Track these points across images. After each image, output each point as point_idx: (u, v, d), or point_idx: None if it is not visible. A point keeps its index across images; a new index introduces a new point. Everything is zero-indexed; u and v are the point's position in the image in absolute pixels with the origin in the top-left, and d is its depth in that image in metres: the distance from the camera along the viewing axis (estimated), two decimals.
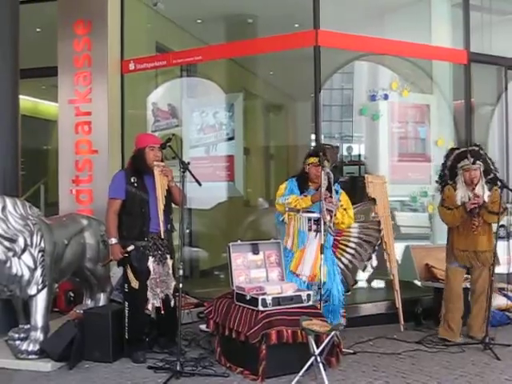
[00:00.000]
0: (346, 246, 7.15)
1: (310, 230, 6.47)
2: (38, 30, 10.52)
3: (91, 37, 8.72)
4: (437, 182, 7.52)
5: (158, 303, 6.46)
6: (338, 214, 6.50)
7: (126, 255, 6.40)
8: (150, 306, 6.44)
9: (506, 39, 9.81)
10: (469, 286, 7.30)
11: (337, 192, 6.52)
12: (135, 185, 6.47)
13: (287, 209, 6.50)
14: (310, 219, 6.46)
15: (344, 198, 6.69)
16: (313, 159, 6.60)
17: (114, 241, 6.45)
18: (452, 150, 7.44)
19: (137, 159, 6.58)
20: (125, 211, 6.49)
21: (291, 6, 8.87)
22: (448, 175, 7.27)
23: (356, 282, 7.30)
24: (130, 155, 6.80)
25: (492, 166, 7.22)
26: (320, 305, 6.27)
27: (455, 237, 7.16)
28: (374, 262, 7.90)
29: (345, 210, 6.62)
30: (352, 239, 7.17)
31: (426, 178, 8.94)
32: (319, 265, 6.39)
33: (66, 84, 8.86)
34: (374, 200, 7.47)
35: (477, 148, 7.26)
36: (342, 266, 7.04)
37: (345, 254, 7.12)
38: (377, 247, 7.36)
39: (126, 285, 6.48)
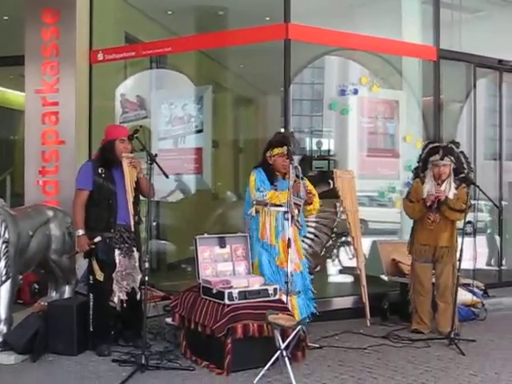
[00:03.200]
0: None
1: (285, 219, 6.44)
2: (5, 18, 10.37)
3: (59, 26, 8.60)
4: (412, 171, 7.58)
5: (123, 296, 6.41)
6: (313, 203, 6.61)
7: (93, 247, 6.34)
8: (115, 299, 6.38)
9: (475, 37, 9.86)
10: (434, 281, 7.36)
11: (297, 176, 6.47)
12: (103, 176, 6.40)
13: (255, 202, 6.47)
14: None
15: (308, 183, 6.68)
16: (278, 150, 6.57)
17: (80, 232, 6.37)
18: (427, 143, 7.50)
19: (106, 151, 6.50)
20: (92, 202, 6.41)
21: None
22: (420, 168, 7.34)
23: (317, 265, 7.29)
24: (98, 146, 6.72)
25: (465, 166, 7.27)
26: (287, 296, 6.28)
27: (418, 230, 7.28)
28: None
29: (314, 195, 6.64)
30: (310, 224, 7.17)
31: (394, 173, 8.98)
32: (301, 254, 6.61)
33: (33, 73, 8.74)
34: (328, 183, 7.40)
35: (451, 145, 7.31)
36: (303, 251, 7.04)
37: (305, 239, 7.11)
38: (335, 229, 7.36)
39: (90, 276, 6.42)
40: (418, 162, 7.46)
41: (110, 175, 6.43)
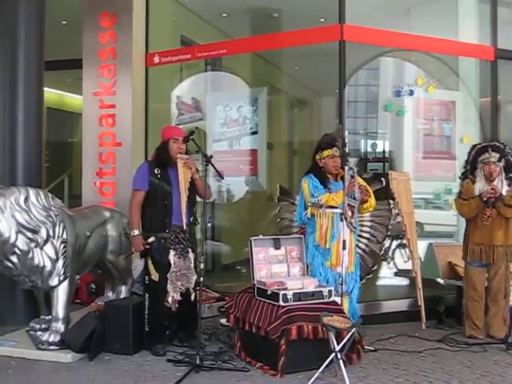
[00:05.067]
0: (361, 230, 7.13)
1: (341, 220, 6.42)
2: (63, 22, 10.56)
3: (116, 29, 8.75)
4: (460, 177, 7.48)
5: (177, 296, 6.46)
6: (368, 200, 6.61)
7: (148, 247, 6.41)
8: (169, 299, 6.43)
9: None
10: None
11: (352, 177, 6.45)
12: (158, 176, 6.47)
13: (310, 204, 6.47)
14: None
15: (361, 180, 6.66)
16: (327, 152, 6.57)
17: (136, 232, 6.44)
18: (474, 146, 7.40)
19: (161, 151, 6.59)
20: (148, 203, 6.49)
21: (317, 1, 8.85)
22: (469, 170, 7.26)
23: (374, 265, 7.25)
24: (155, 147, 6.79)
25: None
26: (341, 298, 6.27)
27: (471, 230, 7.16)
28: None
29: (369, 191, 6.63)
30: (365, 223, 7.14)
31: (450, 175, 8.86)
32: (353, 255, 6.57)
33: (90, 76, 8.90)
34: (381, 181, 7.32)
35: (498, 143, 7.23)
36: (359, 251, 7.05)
37: (361, 238, 7.12)
38: (390, 227, 7.29)
39: (146, 277, 6.50)
40: (465, 167, 7.37)
41: (165, 176, 6.49)
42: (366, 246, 7.10)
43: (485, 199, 6.89)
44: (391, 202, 7.32)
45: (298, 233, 6.92)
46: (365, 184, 6.64)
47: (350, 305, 6.58)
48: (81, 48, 8.94)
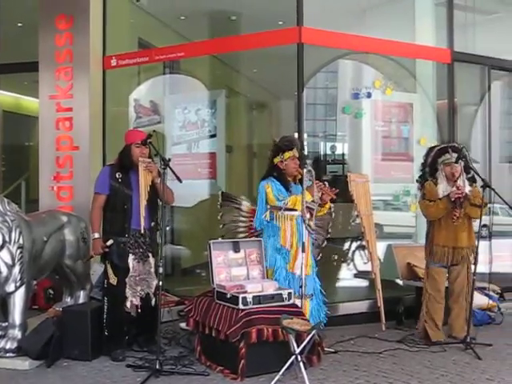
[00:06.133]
0: None
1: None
2: (19, 24, 10.43)
3: (73, 32, 8.65)
4: (417, 180, 7.50)
5: (137, 301, 6.41)
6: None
7: (107, 250, 6.36)
8: (128, 304, 6.37)
9: (489, 39, 9.81)
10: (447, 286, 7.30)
11: (311, 178, 6.46)
12: (119, 180, 6.43)
13: (269, 206, 6.47)
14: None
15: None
16: (289, 154, 6.57)
17: (96, 235, 6.42)
18: (431, 148, 7.43)
19: (123, 155, 6.55)
20: (108, 207, 6.46)
21: (275, 4, 8.86)
22: (428, 172, 7.26)
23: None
24: (112, 151, 6.74)
25: (471, 165, 7.21)
26: (302, 300, 6.27)
27: (435, 232, 7.14)
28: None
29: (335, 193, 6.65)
30: None
31: (408, 176, 8.92)
32: (310, 259, 6.57)
33: (47, 79, 8.79)
34: (324, 185, 7.31)
35: (457, 144, 7.28)
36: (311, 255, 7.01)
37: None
38: (330, 230, 7.30)
39: (105, 280, 6.46)
40: (422, 170, 7.39)
41: (126, 180, 6.45)
42: None
43: (453, 199, 6.91)
44: (332, 205, 7.30)
45: (247, 237, 6.89)
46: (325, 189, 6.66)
47: (315, 306, 6.61)
48: (37, 50, 8.82)
